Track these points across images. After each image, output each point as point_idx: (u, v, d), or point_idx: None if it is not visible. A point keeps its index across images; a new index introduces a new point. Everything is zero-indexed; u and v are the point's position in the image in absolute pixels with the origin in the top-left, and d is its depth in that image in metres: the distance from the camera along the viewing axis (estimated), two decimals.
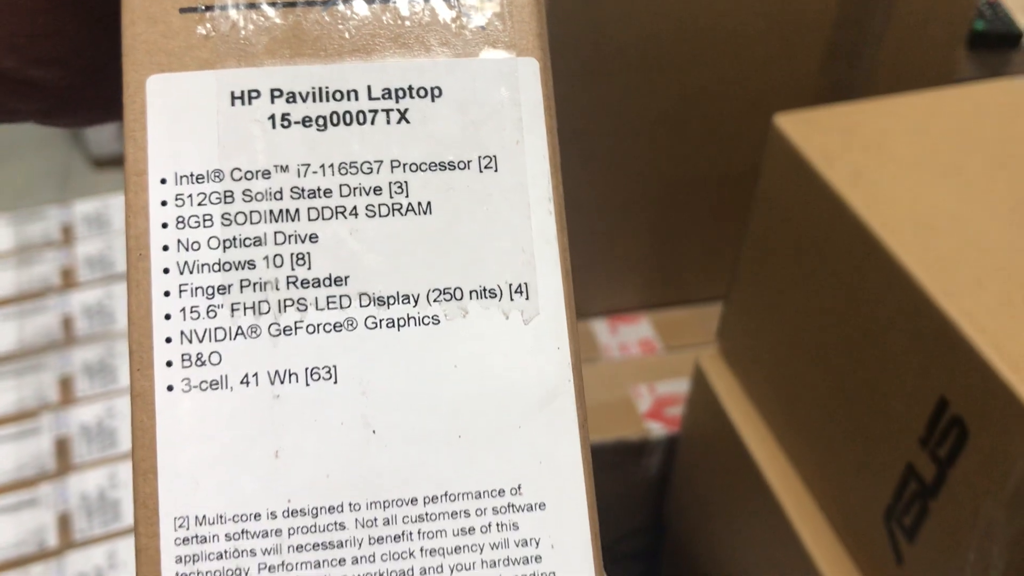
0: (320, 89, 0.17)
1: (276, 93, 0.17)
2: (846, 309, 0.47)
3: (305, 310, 0.16)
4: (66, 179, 1.17)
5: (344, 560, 0.16)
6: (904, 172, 0.46)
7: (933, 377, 0.41)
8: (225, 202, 0.16)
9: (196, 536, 0.16)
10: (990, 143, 0.48)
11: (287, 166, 0.17)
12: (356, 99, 0.17)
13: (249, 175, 0.17)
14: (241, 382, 0.16)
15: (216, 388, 0.16)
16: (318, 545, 0.16)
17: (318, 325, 0.16)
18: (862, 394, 0.46)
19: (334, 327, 0.16)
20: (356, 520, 0.16)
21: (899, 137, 0.48)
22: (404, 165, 0.17)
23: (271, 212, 0.17)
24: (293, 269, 0.16)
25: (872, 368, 0.45)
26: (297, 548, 0.16)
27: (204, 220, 0.16)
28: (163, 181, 0.16)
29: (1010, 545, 0.38)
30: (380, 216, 0.17)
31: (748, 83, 0.61)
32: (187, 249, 0.16)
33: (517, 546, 0.16)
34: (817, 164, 0.47)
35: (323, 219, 0.17)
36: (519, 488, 0.17)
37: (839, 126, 0.49)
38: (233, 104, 0.17)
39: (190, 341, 0.16)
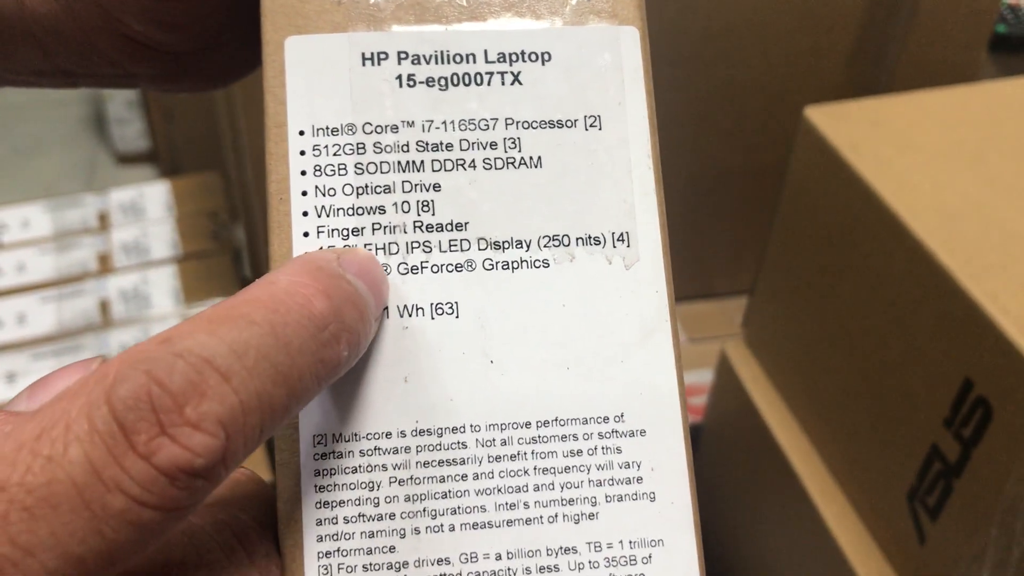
0: (442, 52, 0.19)
1: (402, 55, 0.19)
2: (872, 294, 0.48)
3: (430, 252, 0.18)
4: (91, 174, 1.19)
5: (466, 476, 0.18)
6: (930, 162, 0.48)
7: (958, 359, 0.42)
8: (358, 153, 0.18)
9: (333, 452, 0.17)
10: (1013, 137, 0.50)
11: (413, 122, 0.18)
12: (474, 62, 0.19)
13: (379, 129, 0.18)
14: None
15: None
16: (443, 462, 0.18)
17: (442, 265, 0.18)
18: (887, 378, 0.48)
19: (455, 267, 0.18)
20: (476, 440, 0.18)
21: (925, 130, 0.50)
22: (517, 123, 0.19)
23: (399, 163, 0.18)
24: (419, 215, 0.18)
25: (897, 352, 0.47)
26: (424, 464, 0.18)
27: (339, 169, 0.18)
28: (301, 133, 0.18)
29: None
30: (496, 169, 0.19)
31: (775, 79, 0.63)
32: (324, 195, 0.18)
33: (620, 468, 0.18)
34: (846, 154, 0.49)
35: (445, 170, 0.18)
36: (622, 416, 0.18)
37: (867, 119, 0.51)
38: (364, 64, 0.18)
39: None
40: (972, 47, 0.64)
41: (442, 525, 0.17)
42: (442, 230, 0.18)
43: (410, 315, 0.18)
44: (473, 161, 0.18)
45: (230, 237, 0.78)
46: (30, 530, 0.13)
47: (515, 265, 0.18)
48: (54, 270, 0.74)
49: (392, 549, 0.17)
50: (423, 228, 0.18)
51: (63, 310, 0.72)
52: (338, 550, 0.17)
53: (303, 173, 0.18)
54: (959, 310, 0.42)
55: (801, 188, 0.53)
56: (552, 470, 0.18)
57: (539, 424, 0.18)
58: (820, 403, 0.55)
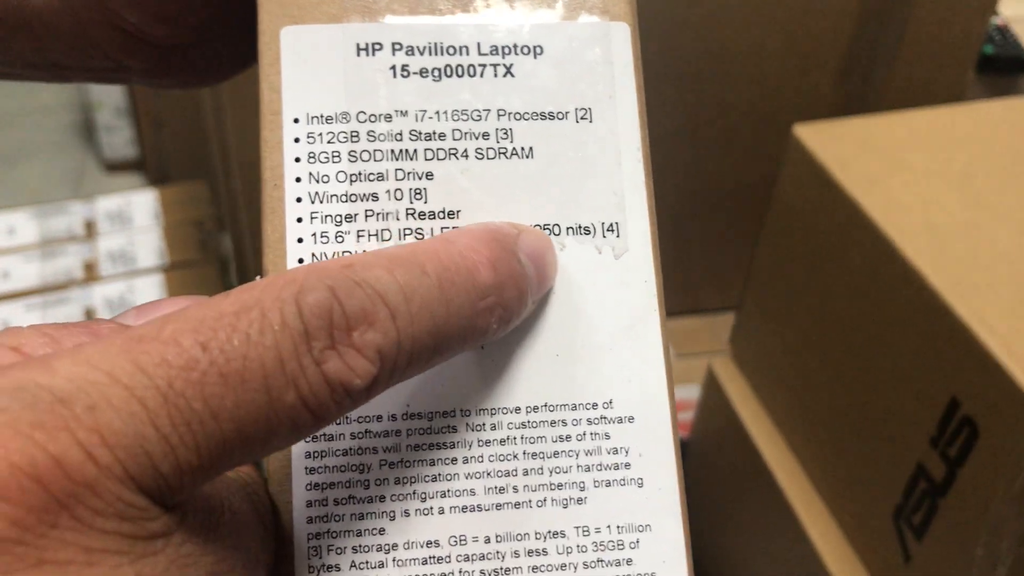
0: (436, 44, 0.19)
1: (397, 46, 0.19)
2: (859, 312, 0.48)
3: (422, 238, 0.18)
4: (79, 181, 1.19)
5: (455, 459, 0.18)
6: (918, 181, 0.48)
7: (944, 378, 0.42)
8: (352, 141, 0.18)
9: (323, 434, 0.17)
10: (1001, 157, 0.50)
11: (406, 111, 0.19)
12: (468, 54, 0.19)
13: (373, 118, 0.18)
14: None
15: None
16: (433, 445, 0.18)
17: None
18: (873, 396, 0.48)
19: None
20: (466, 424, 0.18)
21: (913, 149, 0.50)
22: (509, 114, 0.19)
23: (392, 151, 0.18)
24: (412, 203, 0.18)
25: (884, 370, 0.47)
26: (414, 447, 0.18)
27: (333, 156, 0.18)
28: (296, 120, 0.18)
29: (1019, 541, 0.40)
30: (488, 159, 0.19)
31: (764, 97, 0.64)
32: (317, 181, 0.18)
33: (608, 453, 0.18)
34: (834, 172, 0.49)
35: (438, 159, 0.18)
36: (610, 403, 0.18)
37: (856, 137, 0.51)
38: (358, 55, 0.19)
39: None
40: (960, 67, 0.64)
41: (431, 508, 0.17)
42: (434, 218, 0.18)
43: None
44: (465, 151, 0.19)
45: (217, 247, 0.78)
46: (220, 395, 0.13)
47: None
48: (39, 278, 0.73)
49: (382, 531, 0.17)
50: (415, 215, 0.18)
51: (47, 318, 0.71)
52: (328, 531, 0.17)
53: (297, 160, 0.18)
54: (946, 329, 0.42)
55: (789, 205, 0.53)
56: (541, 455, 0.18)
57: (528, 409, 0.18)
58: (806, 420, 0.55)
